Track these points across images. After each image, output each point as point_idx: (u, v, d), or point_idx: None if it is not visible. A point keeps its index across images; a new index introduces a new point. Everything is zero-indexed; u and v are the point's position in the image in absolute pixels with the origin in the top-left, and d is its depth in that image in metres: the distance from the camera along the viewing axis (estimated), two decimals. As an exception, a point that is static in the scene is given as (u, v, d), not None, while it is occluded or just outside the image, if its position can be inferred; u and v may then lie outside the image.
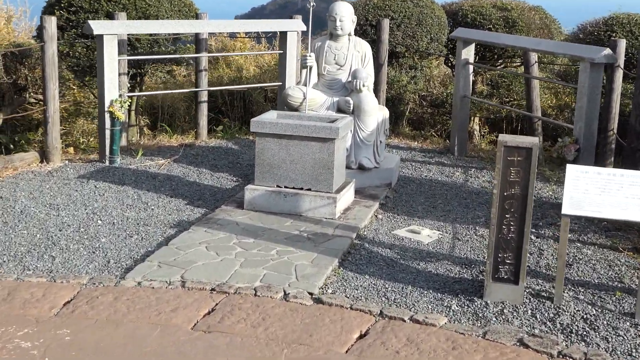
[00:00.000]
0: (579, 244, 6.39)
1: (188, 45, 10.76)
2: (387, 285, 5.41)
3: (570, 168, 5.25)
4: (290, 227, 6.49)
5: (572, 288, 5.46)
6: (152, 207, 7.01)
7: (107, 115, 8.26)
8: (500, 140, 5.10)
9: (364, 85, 7.61)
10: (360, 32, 10.63)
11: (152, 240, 6.17)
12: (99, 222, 6.55)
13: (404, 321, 4.81)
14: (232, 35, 13.34)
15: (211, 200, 7.31)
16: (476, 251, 6.18)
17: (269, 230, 6.38)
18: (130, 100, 8.78)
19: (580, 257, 6.08)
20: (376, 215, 7.04)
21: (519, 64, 12.07)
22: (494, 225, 5.16)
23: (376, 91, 9.58)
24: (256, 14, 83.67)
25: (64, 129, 10.17)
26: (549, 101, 11.27)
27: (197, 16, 9.92)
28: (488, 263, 5.19)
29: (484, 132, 11.72)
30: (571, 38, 10.05)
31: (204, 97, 9.93)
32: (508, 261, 5.17)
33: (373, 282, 5.46)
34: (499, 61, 11.92)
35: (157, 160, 8.61)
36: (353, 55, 7.88)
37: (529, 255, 5.76)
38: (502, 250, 5.17)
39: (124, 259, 5.73)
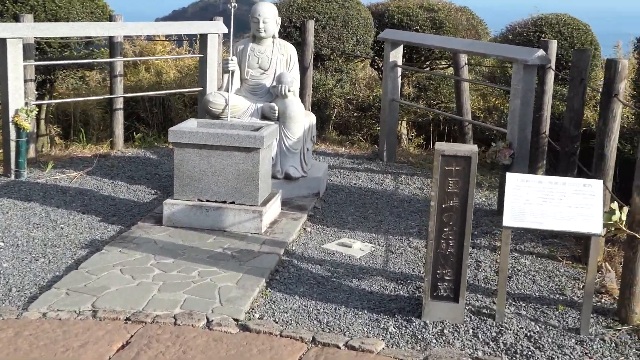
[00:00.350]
0: (516, 254, 6.12)
1: (102, 49, 10.16)
2: (318, 307, 5.01)
3: (510, 177, 4.95)
4: (213, 244, 6.03)
5: (513, 303, 5.16)
6: (62, 226, 6.45)
7: (11, 126, 7.64)
8: (437, 149, 4.76)
9: (289, 90, 7.20)
10: (284, 34, 10.21)
11: (60, 263, 5.63)
12: (1, 244, 5.97)
13: (339, 348, 4.42)
14: (150, 38, 12.77)
15: (127, 216, 6.79)
16: (411, 265, 5.84)
17: (190, 248, 5.91)
18: (38, 109, 8.16)
19: (519, 268, 5.80)
20: (305, 228, 6.64)
21: (446, 65, 11.86)
22: (432, 240, 4.81)
23: (302, 95, 9.19)
24: (177, 16, 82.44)
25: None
26: (477, 103, 11.07)
27: (111, 18, 9.34)
28: (426, 280, 4.84)
29: (412, 136, 11.45)
30: (500, 39, 9.86)
31: (120, 104, 9.37)
32: (447, 278, 4.84)
33: (304, 304, 5.05)
34: (426, 63, 11.68)
35: (68, 173, 8.02)
36: (277, 58, 7.46)
37: (467, 268, 5.43)
38: (441, 266, 4.84)
39: (28, 287, 5.17)
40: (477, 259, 5.97)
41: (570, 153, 6.75)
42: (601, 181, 4.90)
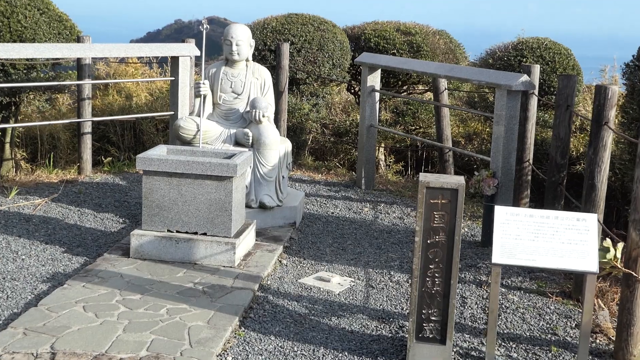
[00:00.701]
0: (503, 289, 5.83)
1: (70, 71, 9.80)
2: (295, 348, 4.68)
3: (499, 211, 4.66)
4: (183, 278, 5.68)
5: (503, 343, 4.86)
6: (23, 257, 6.07)
7: (-28, 151, 7.27)
8: (421, 180, 4.47)
9: (263, 116, 6.90)
10: (258, 57, 9.94)
11: (19, 299, 5.25)
12: (-44, 278, 5.59)
13: (318, 396, 4.09)
14: (122, 60, 12.45)
15: (93, 247, 6.42)
16: (393, 301, 5.53)
17: (159, 283, 5.56)
18: (1, 133, 7.78)
19: (507, 305, 5.50)
20: (280, 261, 6.31)
21: (424, 90, 11.64)
22: (416, 278, 4.51)
23: (277, 121, 8.90)
24: (152, 38, 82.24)
25: None
26: (457, 128, 10.85)
27: (79, 39, 9.01)
28: (411, 321, 4.53)
29: (390, 162, 11.20)
30: (480, 63, 9.64)
31: (88, 127, 9.00)
32: (433, 318, 4.53)
33: (279, 345, 4.72)
34: (404, 87, 11.45)
35: (32, 200, 7.64)
36: (251, 82, 7.16)
37: (452, 306, 5.13)
38: (427, 305, 4.53)
39: (-19, 327, 4.80)
40: (463, 295, 5.67)
41: (556, 183, 6.50)
42: (595, 215, 4.63)
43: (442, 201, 4.45)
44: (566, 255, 4.45)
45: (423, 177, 4.51)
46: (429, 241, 4.48)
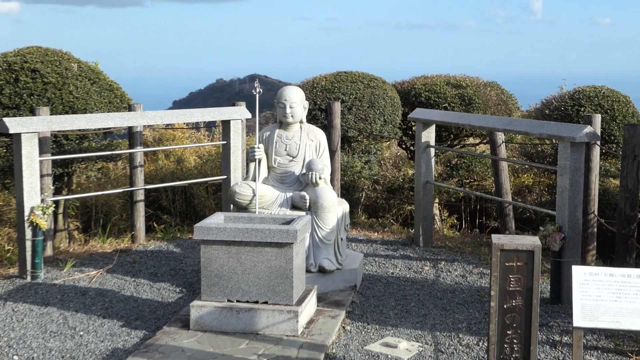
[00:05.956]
0: (580, 351, 5.54)
1: (119, 139, 9.83)
2: None
3: (576, 270, 4.44)
4: (246, 350, 5.50)
5: (587, 411, 4.59)
6: (81, 333, 5.95)
7: (27, 225, 7.22)
8: (495, 243, 4.27)
9: (320, 178, 6.77)
10: (309, 117, 9.88)
11: (80, 378, 5.13)
12: (15, 357, 5.47)
13: None
14: (169, 125, 12.49)
15: (151, 319, 6.29)
16: (465, 367, 5.29)
17: (222, 356, 5.38)
18: (54, 205, 7.74)
19: (587, 369, 5.23)
20: (344, 327, 6.10)
21: (476, 142, 11.46)
22: (493, 345, 4.29)
23: (331, 180, 8.77)
24: (194, 98, 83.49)
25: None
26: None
27: (129, 107, 9.02)
28: (490, 391, 4.29)
29: (444, 216, 10.97)
30: (536, 114, 9.44)
31: (141, 195, 8.96)
32: (514, 388, 4.29)
33: (351, 420, 4.50)
34: (455, 141, 11.27)
35: (87, 272, 7.56)
36: (306, 144, 7.06)
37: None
38: (506, 374, 4.29)
39: (43, 410, 4.66)
40: (537, 358, 5.39)
41: (627, 235, 6.25)
42: (680, 272, 4.38)
43: (518, 264, 4.25)
44: (653, 317, 4.20)
45: (496, 239, 4.31)
46: (505, 306, 4.27)
